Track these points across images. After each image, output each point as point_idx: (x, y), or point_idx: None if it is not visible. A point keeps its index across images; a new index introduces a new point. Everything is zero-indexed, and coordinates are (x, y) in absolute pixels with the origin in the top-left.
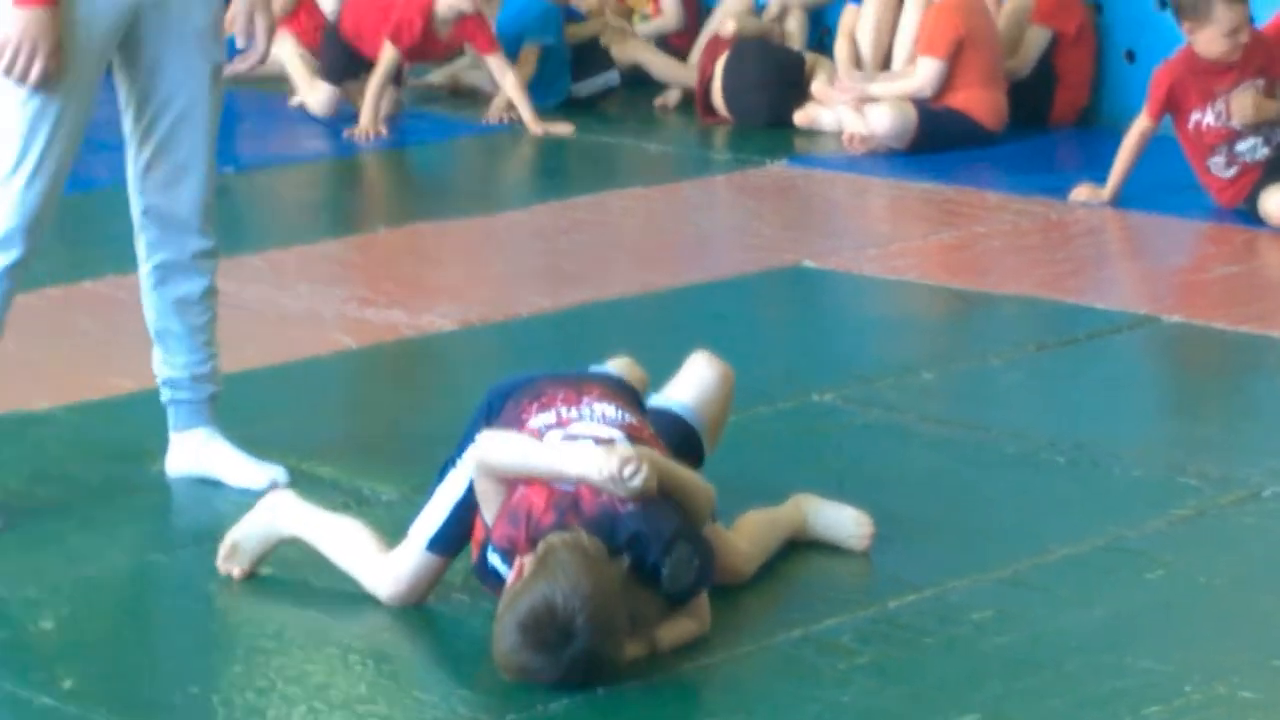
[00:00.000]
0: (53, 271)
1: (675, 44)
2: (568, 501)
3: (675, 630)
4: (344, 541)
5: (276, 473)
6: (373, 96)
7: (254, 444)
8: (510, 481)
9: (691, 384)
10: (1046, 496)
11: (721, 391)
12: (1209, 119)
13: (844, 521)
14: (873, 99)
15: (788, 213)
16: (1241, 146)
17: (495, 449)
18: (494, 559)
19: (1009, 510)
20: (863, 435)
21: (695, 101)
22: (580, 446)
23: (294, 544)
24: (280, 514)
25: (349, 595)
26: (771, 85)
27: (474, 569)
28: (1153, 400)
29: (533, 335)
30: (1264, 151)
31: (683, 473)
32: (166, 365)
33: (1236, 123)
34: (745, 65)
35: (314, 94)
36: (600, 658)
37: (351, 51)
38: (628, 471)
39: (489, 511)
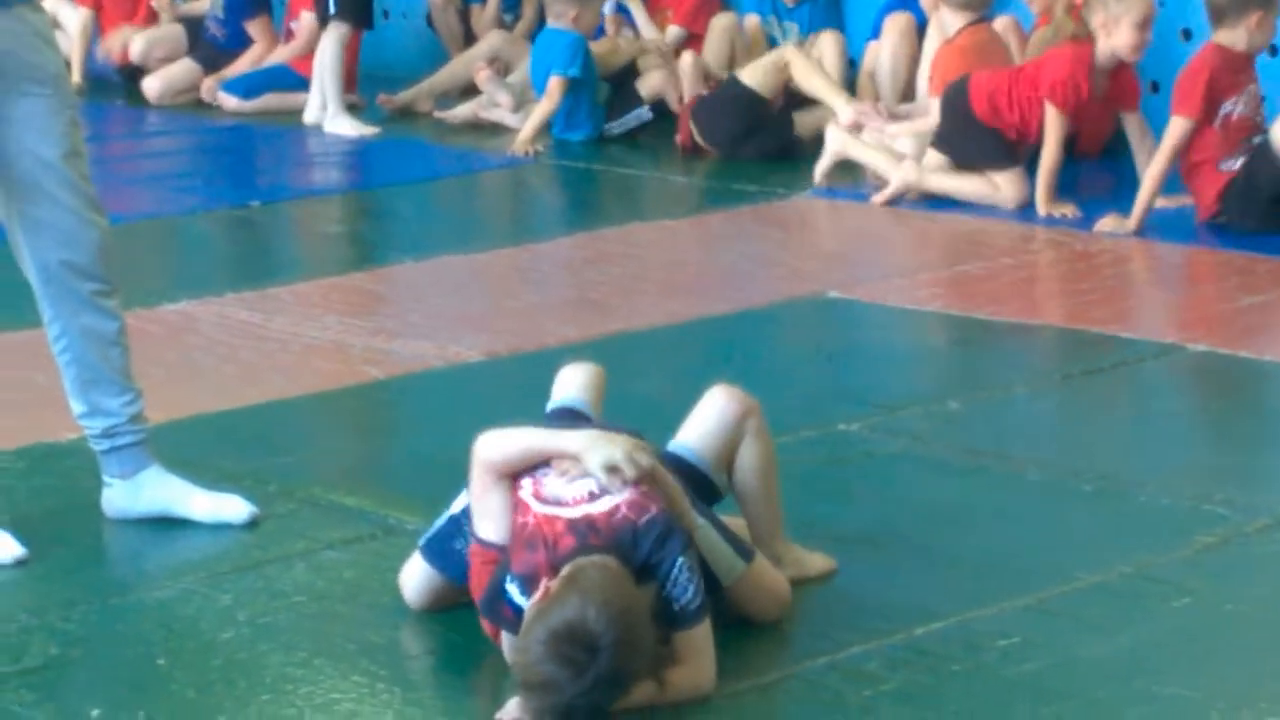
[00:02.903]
0: None
1: None
2: (585, 524)
3: (679, 674)
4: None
5: (244, 503)
6: (1052, 170)
7: (280, 474)
8: (513, 477)
9: (697, 423)
10: (1072, 525)
11: (733, 425)
12: (1240, 109)
13: None
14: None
15: (813, 243)
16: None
17: (493, 444)
18: (512, 589)
19: (1035, 538)
20: (888, 465)
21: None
22: (573, 434)
23: None
24: None
25: (377, 624)
26: (737, 123)
27: (481, 609)
28: (1178, 429)
29: (560, 366)
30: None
31: (676, 493)
32: (102, 415)
33: None
34: (713, 106)
35: (1009, 186)
36: (621, 679)
37: (997, 132)
38: (618, 456)
39: (489, 520)
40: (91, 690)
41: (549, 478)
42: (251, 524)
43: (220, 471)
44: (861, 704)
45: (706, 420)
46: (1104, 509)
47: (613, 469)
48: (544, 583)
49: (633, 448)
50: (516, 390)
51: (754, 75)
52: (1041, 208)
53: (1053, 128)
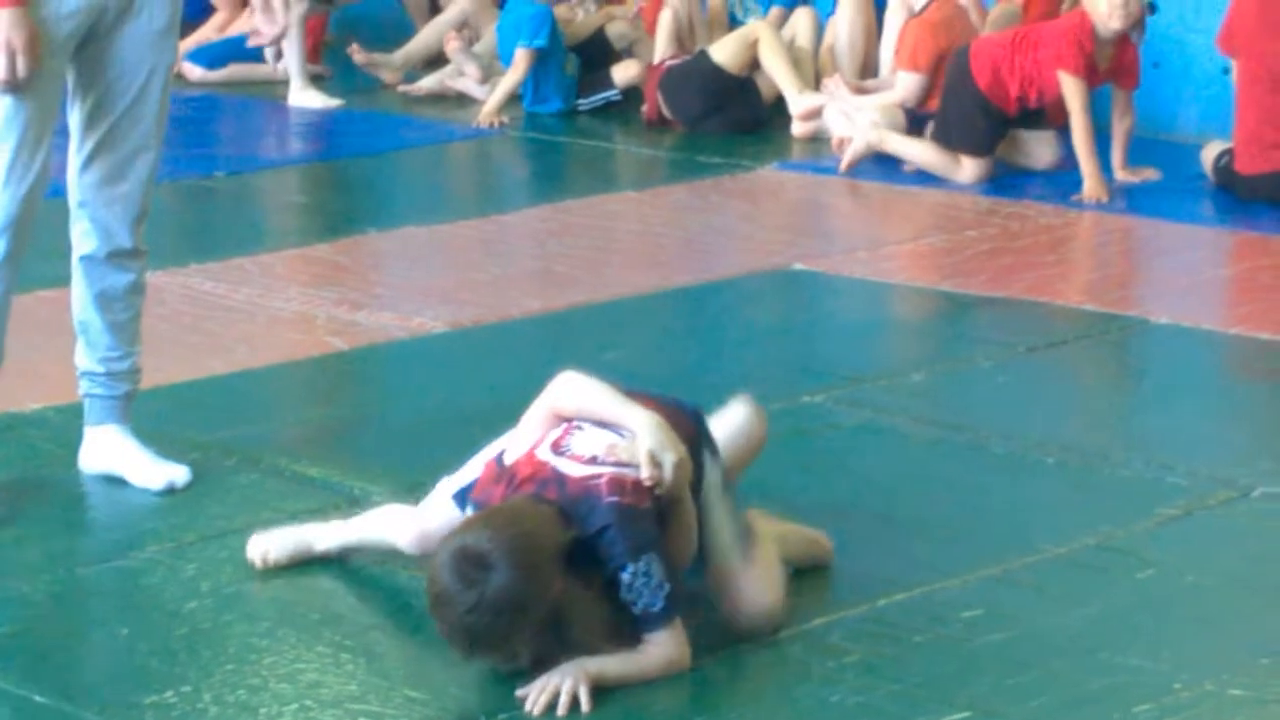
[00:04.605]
0: (46, 273)
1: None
2: (555, 480)
3: (654, 652)
4: (373, 514)
5: (176, 474)
6: (1088, 138)
7: (244, 445)
8: (564, 422)
9: (724, 430)
10: (1036, 496)
11: (748, 446)
12: None
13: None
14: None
15: (778, 216)
16: None
17: (572, 395)
18: (468, 513)
19: (998, 510)
20: (852, 436)
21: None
22: (645, 413)
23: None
24: (314, 535)
25: (341, 594)
26: (705, 98)
27: None
28: (1142, 401)
29: (524, 337)
30: None
31: (690, 508)
32: (85, 357)
33: None
34: (682, 79)
35: (971, 168)
36: (509, 600)
37: (996, 110)
38: (668, 461)
39: (519, 443)
40: (57, 660)
41: (581, 431)
42: (168, 492)
43: (185, 442)
44: (825, 675)
45: (734, 434)
46: (1067, 481)
47: (655, 464)
48: None
49: (681, 460)
50: (481, 361)
51: (723, 51)
52: (1119, 173)
53: (1073, 95)
